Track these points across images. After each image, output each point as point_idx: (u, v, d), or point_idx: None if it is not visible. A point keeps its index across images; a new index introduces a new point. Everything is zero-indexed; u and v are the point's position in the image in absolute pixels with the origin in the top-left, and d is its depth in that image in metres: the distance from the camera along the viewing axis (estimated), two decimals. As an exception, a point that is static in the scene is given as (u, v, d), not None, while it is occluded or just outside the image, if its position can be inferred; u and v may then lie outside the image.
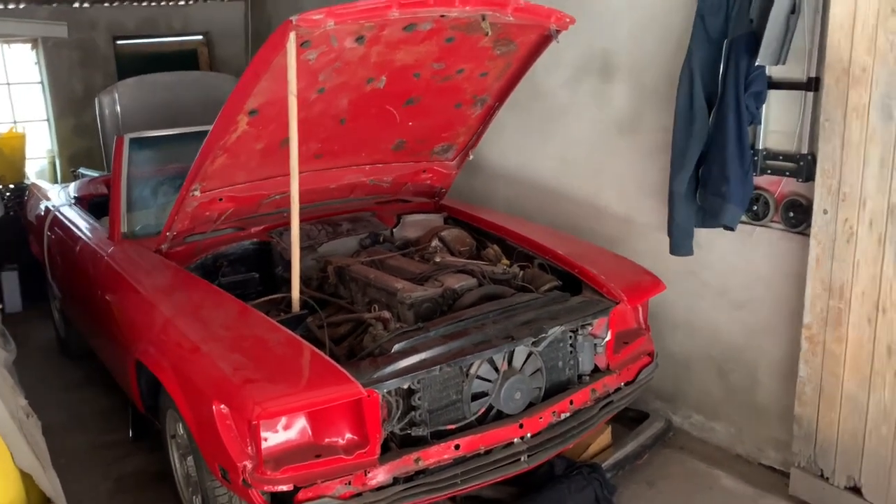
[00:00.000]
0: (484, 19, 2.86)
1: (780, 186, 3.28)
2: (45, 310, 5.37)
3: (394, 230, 4.02)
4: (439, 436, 2.66)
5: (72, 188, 5.14)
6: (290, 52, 2.50)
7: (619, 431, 3.55)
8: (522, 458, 2.75)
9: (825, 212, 2.98)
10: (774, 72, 3.18)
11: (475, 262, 3.54)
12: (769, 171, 3.28)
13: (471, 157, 4.03)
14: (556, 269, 3.45)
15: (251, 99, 2.76)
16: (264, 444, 2.39)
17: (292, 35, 2.47)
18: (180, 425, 2.89)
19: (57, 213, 4.65)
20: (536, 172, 4.56)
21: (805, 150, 3.13)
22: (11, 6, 6.69)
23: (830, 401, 3.09)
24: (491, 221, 3.99)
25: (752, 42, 3.10)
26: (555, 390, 2.97)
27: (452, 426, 2.69)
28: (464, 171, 4.19)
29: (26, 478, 2.35)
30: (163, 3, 7.44)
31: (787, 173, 3.22)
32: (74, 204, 4.74)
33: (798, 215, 3.21)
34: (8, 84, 7.28)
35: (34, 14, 6.89)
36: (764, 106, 3.22)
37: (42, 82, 7.27)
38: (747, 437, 3.63)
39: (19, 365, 3.40)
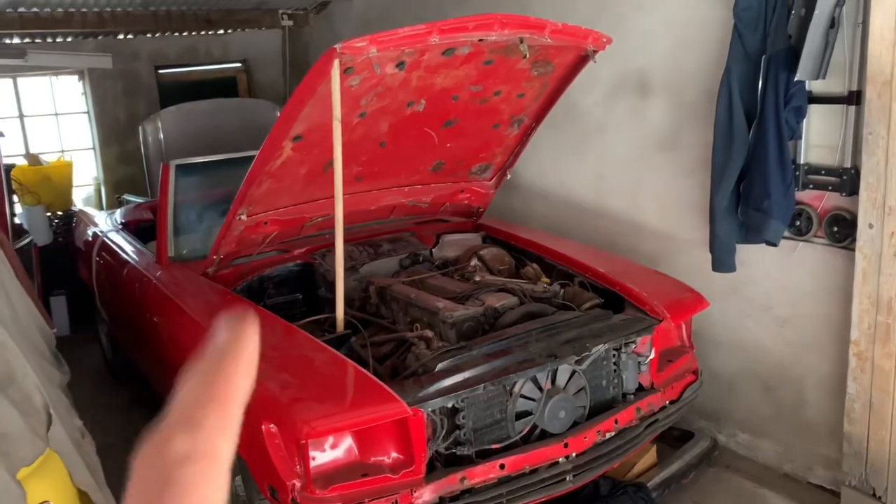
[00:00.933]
0: (522, 42, 2.90)
1: (822, 201, 3.25)
2: (92, 334, 5.50)
3: (433, 250, 4.06)
4: (484, 455, 2.67)
5: (118, 214, 5.28)
6: (335, 79, 2.57)
7: (664, 450, 3.52)
8: (568, 478, 2.74)
9: (870, 226, 2.95)
10: (814, 86, 3.17)
11: (515, 280, 3.56)
12: (811, 186, 3.26)
13: (508, 176, 4.07)
14: (597, 287, 3.44)
15: (296, 125, 2.83)
16: (313, 463, 2.42)
17: (336, 62, 2.54)
18: (229, 445, 2.93)
19: (105, 239, 4.78)
20: (574, 190, 4.58)
21: (848, 164, 3.11)
22: (60, 40, 6.93)
23: (881, 418, 3.03)
24: (529, 240, 4.01)
25: (791, 57, 3.09)
26: (599, 409, 2.96)
27: (497, 445, 2.70)
28: (501, 190, 4.22)
29: (83, 496, 2.41)
30: (202, 33, 7.63)
31: (830, 188, 3.19)
32: (121, 229, 4.86)
33: (842, 230, 3.17)
34: (56, 114, 7.51)
35: (81, 47, 7.12)
36: (804, 120, 3.21)
37: (88, 112, 7.49)
38: (795, 456, 3.57)
39: (69, 386, 3.49)
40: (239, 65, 8.11)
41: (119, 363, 5.02)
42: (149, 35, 7.35)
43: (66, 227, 6.22)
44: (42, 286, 5.76)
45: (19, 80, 7.19)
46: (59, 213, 6.59)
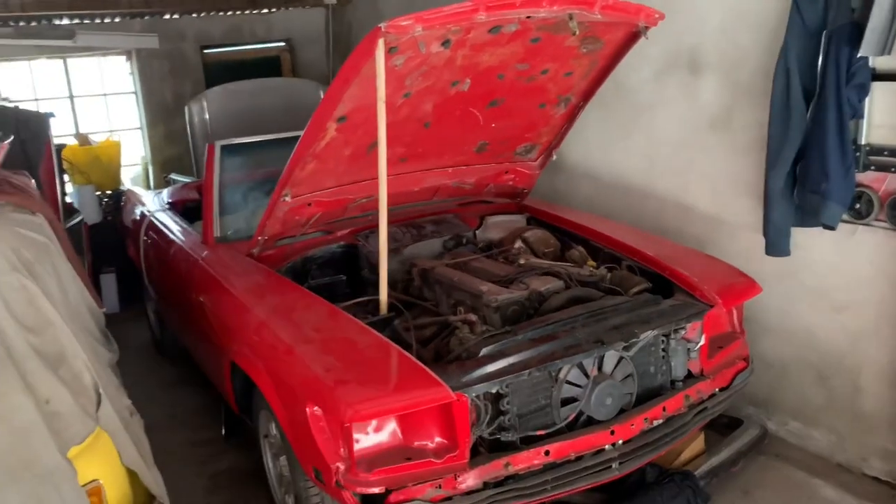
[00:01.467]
0: (571, 18, 2.82)
1: (885, 183, 3.12)
2: (141, 311, 5.61)
3: (476, 232, 4.02)
4: (528, 441, 2.63)
5: (165, 194, 5.34)
6: (379, 59, 2.53)
7: (712, 438, 3.44)
8: (614, 466, 2.70)
9: (937, 209, 2.81)
10: (879, 63, 3.03)
11: (560, 263, 3.50)
12: (873, 168, 3.13)
13: (554, 157, 3.99)
14: (646, 271, 3.37)
15: (340, 106, 2.80)
16: (356, 446, 2.42)
17: (381, 42, 2.49)
18: (273, 426, 2.96)
19: (152, 218, 4.84)
20: (620, 171, 4.48)
21: (913, 145, 2.97)
22: (107, 20, 7.01)
23: (944, 410, 2.91)
24: (574, 222, 3.93)
25: (855, 32, 2.96)
26: (647, 396, 2.90)
27: (542, 431, 2.66)
28: (546, 171, 4.14)
29: (132, 475, 2.45)
30: (247, 12, 7.65)
31: (893, 169, 3.06)
32: (168, 209, 4.92)
33: (906, 213, 3.04)
34: (104, 95, 7.63)
35: (128, 27, 7.20)
36: (867, 99, 3.07)
37: (135, 92, 7.59)
38: (849, 446, 3.46)
39: (118, 364, 3.55)
40: (283, 44, 8.13)
41: (167, 341, 5.11)
42: (194, 15, 7.40)
43: (115, 206, 6.33)
44: (92, 264, 5.87)
45: (68, 60, 7.31)
46: (108, 192, 6.71)
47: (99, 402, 2.36)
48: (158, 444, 3.37)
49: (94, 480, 2.22)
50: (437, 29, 2.62)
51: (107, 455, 2.32)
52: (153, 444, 2.86)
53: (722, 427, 3.58)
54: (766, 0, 3.43)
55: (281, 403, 2.70)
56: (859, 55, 2.93)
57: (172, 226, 4.53)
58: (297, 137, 3.07)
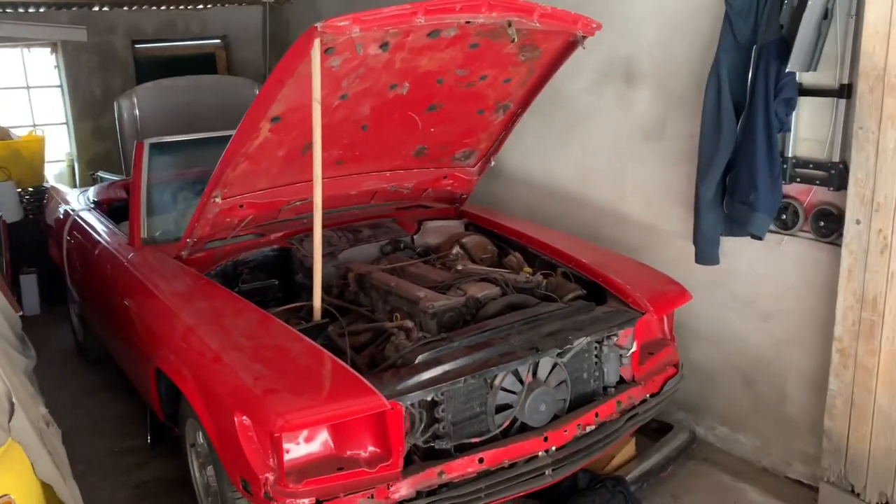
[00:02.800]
0: (510, 25, 2.82)
1: (809, 195, 3.22)
2: (63, 313, 5.38)
3: (414, 237, 3.99)
4: (463, 449, 2.62)
5: (91, 192, 5.13)
6: (315, 59, 2.47)
7: (643, 443, 3.49)
8: (547, 472, 2.70)
9: (858, 222, 2.92)
10: (805, 78, 3.13)
11: (497, 270, 3.50)
12: (799, 180, 3.22)
13: (492, 163, 3.99)
14: (580, 278, 3.39)
15: (274, 105, 2.73)
16: (286, 457, 2.36)
17: (317, 42, 2.44)
18: (200, 434, 2.86)
19: (76, 218, 4.65)
20: (558, 178, 4.51)
21: (836, 159, 3.07)
22: (32, 10, 6.72)
23: (862, 415, 3.01)
24: (512, 228, 3.95)
25: (783, 48, 3.04)
26: (580, 402, 2.92)
27: (476, 439, 2.65)
28: (484, 177, 4.14)
29: (47, 489, 2.33)
30: (181, 7, 7.45)
31: (818, 182, 3.16)
32: (94, 208, 4.73)
33: (829, 225, 3.14)
34: (27, 87, 7.31)
35: (54, 18, 6.91)
36: (794, 113, 3.17)
37: (61, 86, 7.30)
38: (774, 450, 3.56)
39: (38, 369, 3.39)
40: (218, 41, 7.94)
41: (90, 345, 4.91)
42: (125, 8, 7.16)
43: (37, 204, 6.06)
44: (11, 264, 5.62)
45: (-11, 51, 6.98)
46: (30, 189, 6.41)
47: (12, 412, 2.24)
48: (79, 454, 3.25)
49: (4, 495, 2.10)
50: (375, 31, 2.58)
51: (19, 468, 2.20)
52: (74, 453, 2.73)
53: (652, 432, 3.64)
54: (700, 14, 3.51)
55: (208, 412, 2.61)
56: (787, 70, 3.02)
57: (98, 226, 4.36)
58: (228, 137, 2.98)
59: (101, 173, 6.51)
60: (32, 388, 2.70)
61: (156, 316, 3.17)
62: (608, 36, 3.51)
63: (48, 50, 7.22)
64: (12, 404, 2.25)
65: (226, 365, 2.60)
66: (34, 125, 7.27)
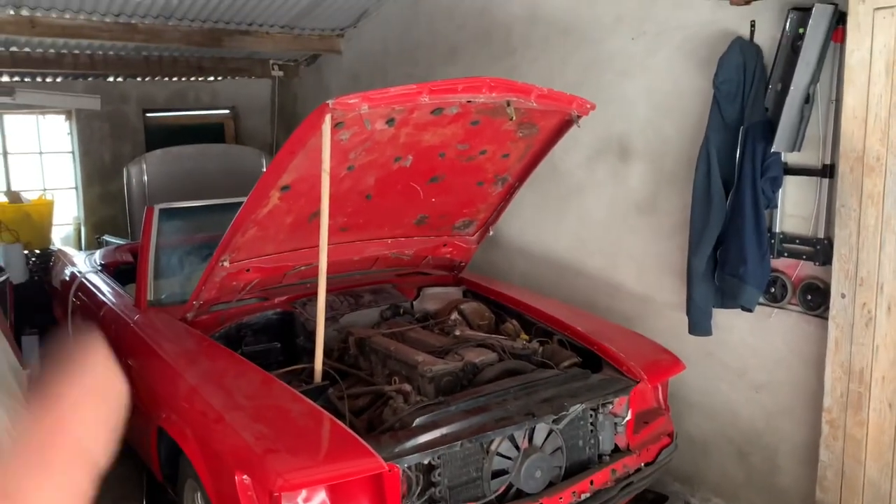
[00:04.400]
0: (509, 105, 2.98)
1: (797, 269, 3.33)
2: (63, 374, 5.39)
3: (414, 302, 4.07)
4: (459, 513, 2.64)
5: (98, 255, 5.24)
6: (326, 133, 2.62)
7: (637, 513, 3.50)
8: (542, 539, 2.72)
9: (843, 296, 3.02)
10: (790, 158, 3.28)
11: (494, 336, 3.57)
12: (786, 254, 3.34)
13: (491, 232, 4.11)
14: (576, 346, 3.47)
15: (285, 175, 2.87)
16: (285, 517, 2.39)
17: (328, 117, 2.59)
18: (199, 495, 2.88)
19: (83, 280, 4.74)
20: (554, 248, 4.64)
21: (821, 235, 3.19)
22: (49, 80, 6.98)
23: (853, 487, 3.05)
24: (509, 296, 4.04)
25: (768, 129, 3.21)
26: (575, 469, 2.96)
27: None
28: (483, 246, 4.26)
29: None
30: (193, 79, 7.73)
31: (805, 257, 3.27)
32: (100, 271, 4.83)
33: (816, 298, 3.24)
34: (40, 153, 7.51)
35: (70, 87, 7.17)
36: (780, 190, 3.31)
37: (73, 151, 7.51)
38: (768, 523, 3.57)
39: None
40: (227, 111, 8.20)
41: (89, 406, 4.92)
42: (139, 79, 7.43)
43: (44, 266, 6.16)
44: (14, 324, 5.67)
45: (5, 117, 7.21)
46: (37, 251, 6.53)
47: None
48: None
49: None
50: (383, 108, 2.73)
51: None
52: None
53: (647, 503, 3.64)
54: (689, 96, 3.69)
55: (208, 471, 2.64)
56: (772, 150, 3.17)
57: (104, 287, 4.45)
58: (236, 204, 3.11)
59: (106, 237, 6.64)
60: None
61: (160, 376, 3.22)
62: (602, 115, 3.69)
63: (62, 117, 7.46)
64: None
65: (227, 425, 2.65)
66: (44, 189, 7.44)
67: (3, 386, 2.68)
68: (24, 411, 2.42)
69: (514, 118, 3.04)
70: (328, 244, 2.87)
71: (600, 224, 4.30)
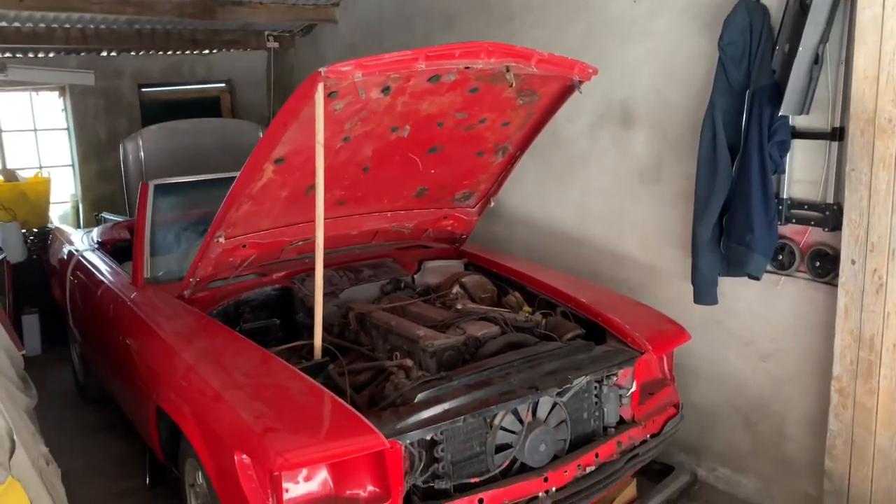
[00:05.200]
0: (508, 71, 2.89)
1: (805, 236, 3.26)
2: (64, 353, 5.38)
3: (414, 276, 4.02)
4: (462, 489, 2.60)
5: (95, 233, 5.19)
6: (319, 103, 2.53)
7: (643, 485, 3.46)
8: (547, 513, 2.69)
9: (853, 262, 2.95)
10: (798, 121, 3.19)
11: (497, 309, 3.52)
12: (794, 221, 3.27)
13: (492, 204, 4.04)
14: (579, 318, 3.41)
15: (278, 147, 2.79)
16: (286, 496, 2.35)
17: (321, 86, 2.51)
18: (200, 474, 2.86)
19: (80, 258, 4.69)
20: (556, 219, 4.57)
21: (831, 200, 3.12)
22: (41, 55, 6.86)
23: (862, 455, 3.01)
24: (511, 268, 3.98)
25: (775, 92, 3.11)
26: (580, 442, 2.92)
27: (476, 479, 2.64)
28: (484, 217, 4.19)
29: (45, 528, 2.32)
30: (187, 52, 7.60)
31: (813, 223, 3.20)
32: (97, 249, 4.78)
33: (825, 265, 3.17)
34: (35, 130, 7.42)
35: (63, 63, 7.05)
36: (788, 155, 3.22)
37: (68, 128, 7.41)
38: (776, 491, 3.54)
39: (37, 408, 3.39)
40: (223, 85, 8.08)
41: (90, 385, 4.91)
42: (133, 53, 7.31)
43: (41, 245, 6.11)
44: (14, 304, 5.65)
45: (-2, 94, 7.11)
46: (35, 230, 6.47)
47: (12, 451, 2.24)
48: (78, 495, 3.22)
49: (2, 534, 2.10)
50: (378, 76, 2.65)
51: (18, 507, 2.19)
52: (72, 494, 2.72)
53: (653, 474, 3.60)
54: (693, 59, 3.59)
55: (208, 451, 2.61)
56: (780, 114, 3.08)
57: (101, 266, 4.40)
58: (231, 178, 3.04)
59: (104, 214, 6.57)
60: (33, 427, 2.70)
61: (157, 355, 3.18)
62: (605, 80, 3.59)
63: (56, 94, 7.35)
64: (13, 442, 2.26)
65: (226, 404, 2.61)
66: (40, 167, 7.36)
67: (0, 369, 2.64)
68: (21, 395, 2.37)
69: (513, 85, 2.95)
70: (325, 218, 2.81)
71: (604, 193, 4.22)
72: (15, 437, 2.26)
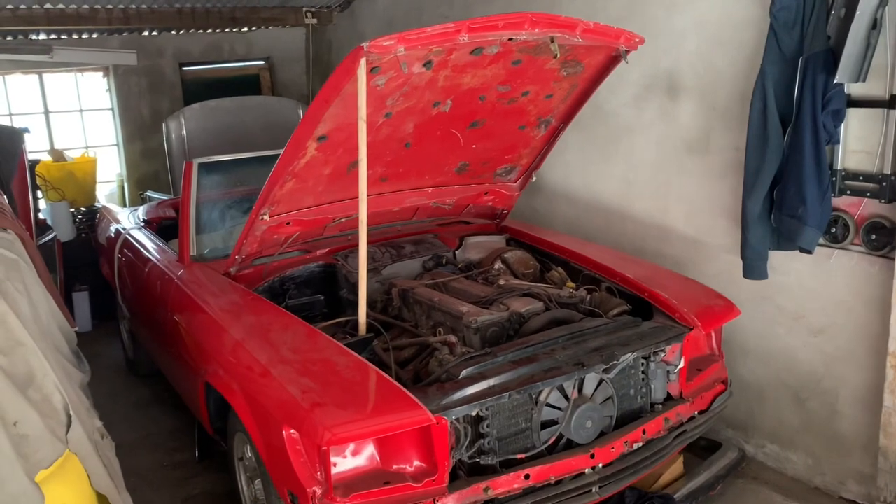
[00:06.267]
0: (553, 41, 2.83)
1: (860, 208, 3.16)
2: (113, 329, 5.51)
3: (456, 252, 4.00)
4: (508, 465, 2.61)
5: (141, 211, 5.27)
6: (361, 79, 2.51)
7: (691, 461, 3.43)
8: (594, 489, 2.68)
9: (912, 234, 2.85)
10: (854, 89, 3.08)
11: (540, 285, 3.49)
12: (848, 192, 3.17)
13: (534, 178, 3.99)
14: (625, 293, 3.37)
15: (321, 125, 2.78)
16: (334, 470, 2.38)
17: (363, 61, 2.48)
18: (248, 448, 2.90)
19: (127, 236, 4.77)
20: (600, 193, 4.50)
21: (888, 170, 3.01)
22: (85, 36, 6.96)
23: (919, 433, 2.93)
24: (554, 243, 3.94)
25: (830, 59, 3.00)
26: (627, 419, 2.89)
27: (522, 455, 2.64)
28: (525, 192, 4.15)
29: (102, 500, 2.38)
30: (227, 31, 7.63)
31: (869, 194, 3.10)
32: (144, 227, 4.85)
33: (881, 238, 3.07)
34: (81, 111, 7.55)
35: (106, 44, 7.14)
36: (842, 125, 3.11)
37: (112, 108, 7.52)
38: (827, 469, 3.47)
39: (89, 383, 3.48)
40: (262, 62, 8.11)
41: (139, 360, 5.02)
42: (173, 32, 7.37)
43: (90, 224, 6.24)
44: (65, 282, 5.78)
45: (45, 76, 7.23)
46: (83, 209, 6.61)
47: (69, 425, 2.30)
48: (130, 467, 3.30)
49: (62, 506, 2.15)
50: (420, 49, 2.62)
51: (76, 479, 2.25)
52: (124, 467, 2.78)
53: (700, 450, 3.57)
54: (743, 26, 3.48)
55: (256, 426, 2.65)
56: (835, 82, 2.98)
57: (148, 244, 4.47)
58: (275, 156, 3.05)
59: (149, 193, 6.68)
60: (87, 402, 2.76)
61: (205, 331, 3.23)
62: (650, 49, 3.50)
63: (100, 74, 7.45)
64: (70, 416, 2.31)
65: (274, 379, 2.64)
66: (87, 147, 7.50)
67: (54, 345, 2.70)
68: (75, 370, 2.41)
69: (557, 56, 2.90)
70: (367, 195, 2.80)
71: (649, 166, 4.13)
72: (71, 412, 2.31)
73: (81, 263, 5.92)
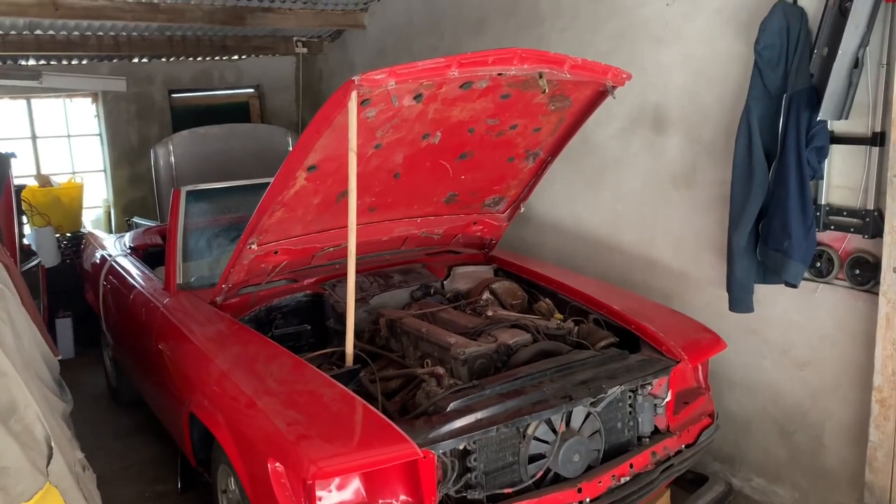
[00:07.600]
0: (541, 77, 2.87)
1: (844, 243, 3.19)
2: (96, 357, 5.45)
3: (444, 282, 4.00)
4: (495, 499, 2.58)
5: (127, 238, 5.24)
6: (352, 111, 2.53)
7: (678, 495, 3.41)
8: (581, 524, 2.66)
9: (895, 270, 2.88)
10: (837, 126, 3.13)
11: (528, 316, 3.49)
12: (833, 227, 3.20)
13: (522, 209, 4.02)
14: (612, 325, 3.37)
15: (311, 155, 2.79)
16: (319, 504, 2.35)
17: (354, 94, 2.50)
18: (232, 480, 2.87)
19: (113, 263, 4.74)
20: (587, 224, 4.53)
21: (871, 206, 3.05)
22: (75, 62, 6.97)
23: (905, 468, 2.94)
24: (542, 274, 3.95)
25: (813, 96, 3.06)
26: (614, 452, 2.88)
27: (509, 489, 2.61)
28: (513, 223, 4.17)
29: (82, 533, 2.34)
30: (217, 58, 7.67)
31: (852, 229, 3.13)
32: (130, 254, 4.83)
33: (865, 273, 3.11)
34: (68, 136, 7.53)
35: (95, 70, 7.16)
36: (826, 161, 3.16)
37: (100, 134, 7.52)
38: (813, 503, 3.47)
39: (71, 412, 3.43)
40: (252, 90, 8.15)
41: (123, 388, 4.96)
42: (164, 59, 7.40)
43: (75, 249, 6.20)
44: (48, 308, 5.72)
45: (33, 101, 7.22)
46: (69, 234, 6.57)
47: (50, 456, 2.26)
48: (111, 498, 3.25)
49: (41, 540, 2.11)
50: (410, 83, 2.64)
51: (56, 513, 2.21)
52: (105, 498, 2.74)
53: (688, 483, 3.54)
54: (728, 63, 3.54)
55: (241, 458, 2.61)
56: (818, 119, 3.02)
57: (133, 271, 4.44)
58: (264, 184, 3.05)
59: (136, 219, 6.65)
60: (69, 433, 2.73)
61: (190, 360, 3.20)
62: (637, 83, 3.55)
63: (89, 100, 7.46)
64: (51, 448, 2.27)
65: (259, 410, 2.61)
66: (74, 172, 7.47)
67: (36, 375, 2.66)
68: (57, 400, 2.38)
69: (546, 90, 2.93)
70: (356, 224, 2.80)
71: (636, 198, 4.17)
72: (52, 444, 2.28)
73: (66, 289, 5.87)
